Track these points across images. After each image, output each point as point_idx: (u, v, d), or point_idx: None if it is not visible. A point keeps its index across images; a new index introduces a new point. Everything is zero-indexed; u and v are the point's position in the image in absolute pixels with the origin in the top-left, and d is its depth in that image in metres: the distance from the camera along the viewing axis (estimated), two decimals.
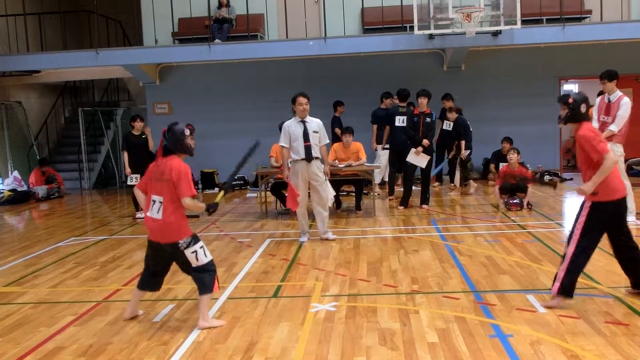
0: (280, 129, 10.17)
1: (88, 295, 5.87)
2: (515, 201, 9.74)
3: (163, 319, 5.06)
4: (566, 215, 9.36)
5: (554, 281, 4.96)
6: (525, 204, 9.72)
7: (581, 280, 5.59)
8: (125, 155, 10.27)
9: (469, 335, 4.39)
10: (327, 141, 8.00)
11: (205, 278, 4.71)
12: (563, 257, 4.95)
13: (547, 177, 13.08)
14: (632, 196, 8.16)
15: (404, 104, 11.37)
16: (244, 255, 7.36)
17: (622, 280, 5.47)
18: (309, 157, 7.71)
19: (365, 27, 14.23)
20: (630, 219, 8.04)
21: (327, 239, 7.93)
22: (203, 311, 4.76)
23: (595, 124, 8.30)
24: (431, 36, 12.26)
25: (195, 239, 4.73)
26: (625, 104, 7.99)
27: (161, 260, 4.90)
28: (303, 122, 7.78)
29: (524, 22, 12.05)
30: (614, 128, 8.01)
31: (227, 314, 5.12)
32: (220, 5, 14.21)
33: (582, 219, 4.85)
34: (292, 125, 7.81)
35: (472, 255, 6.80)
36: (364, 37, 13.55)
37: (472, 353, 4.07)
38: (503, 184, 10.06)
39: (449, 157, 12.18)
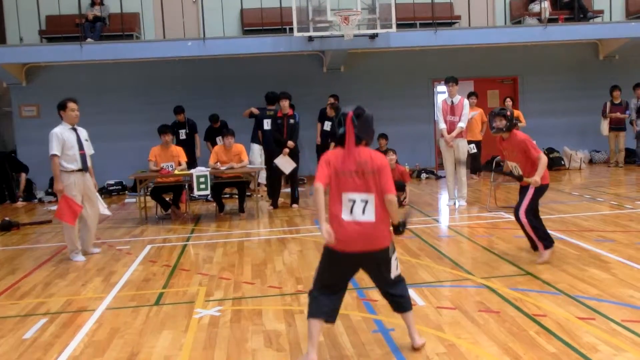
0: (160, 133, 9.94)
1: None
2: None
3: (34, 335, 4.72)
4: (442, 212, 9.81)
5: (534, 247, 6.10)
6: (402, 201, 10.10)
7: (456, 272, 5.91)
8: None
9: (353, 332, 4.47)
10: (93, 152, 7.52)
11: (406, 290, 4.08)
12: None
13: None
14: (465, 184, 10.06)
15: (272, 107, 11.37)
16: (123, 263, 7.06)
17: (492, 270, 5.90)
18: (85, 167, 7.23)
19: (245, 29, 14.15)
20: (462, 203, 9.86)
21: (92, 254, 7.49)
22: (415, 328, 4.12)
23: (442, 125, 9.61)
24: (310, 38, 12.40)
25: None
26: (467, 105, 9.86)
27: (349, 275, 4.02)
28: (74, 129, 7.30)
29: (399, 26, 12.51)
30: (463, 125, 9.74)
31: (105, 325, 4.87)
32: (93, 4, 13.58)
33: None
34: (64, 133, 7.17)
35: None
36: (244, 39, 13.46)
37: (356, 349, 4.15)
38: None
39: None
